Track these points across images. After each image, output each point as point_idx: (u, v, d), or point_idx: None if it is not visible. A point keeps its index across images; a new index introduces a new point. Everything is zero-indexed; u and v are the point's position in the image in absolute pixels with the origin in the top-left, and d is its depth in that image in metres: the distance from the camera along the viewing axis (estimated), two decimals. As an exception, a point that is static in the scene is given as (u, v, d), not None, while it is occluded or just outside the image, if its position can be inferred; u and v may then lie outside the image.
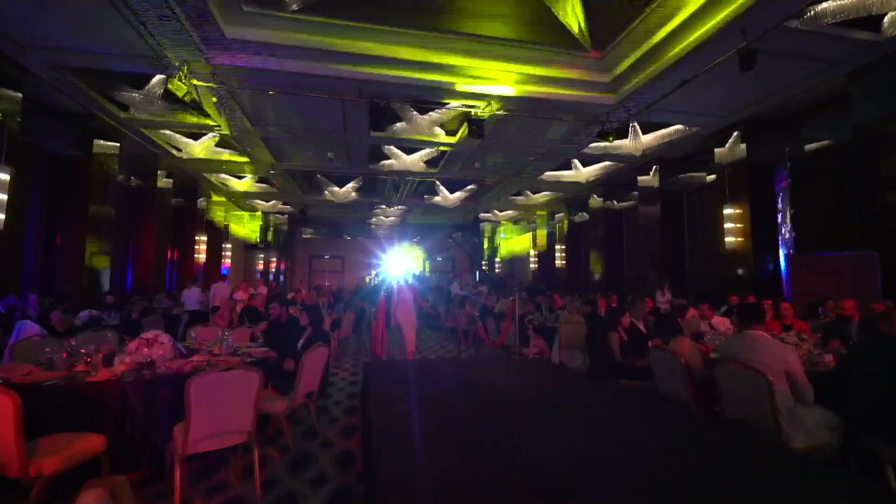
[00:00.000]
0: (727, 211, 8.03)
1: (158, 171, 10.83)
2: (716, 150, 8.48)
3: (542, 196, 14.14)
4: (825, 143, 6.82)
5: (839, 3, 4.80)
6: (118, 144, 8.58)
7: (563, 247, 14.76)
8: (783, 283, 6.99)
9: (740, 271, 7.65)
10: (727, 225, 8.01)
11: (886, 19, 5.04)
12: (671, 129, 8.47)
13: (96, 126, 7.94)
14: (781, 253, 7.17)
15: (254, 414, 2.35)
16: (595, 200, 12.96)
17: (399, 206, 15.87)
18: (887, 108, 5.67)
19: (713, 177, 9.51)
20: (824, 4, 4.79)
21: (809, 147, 7.05)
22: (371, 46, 5.98)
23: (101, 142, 8.30)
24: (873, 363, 2.19)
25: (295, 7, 5.20)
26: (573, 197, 13.80)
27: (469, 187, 13.19)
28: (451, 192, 13.59)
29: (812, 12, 4.82)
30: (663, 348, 2.85)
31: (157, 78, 6.60)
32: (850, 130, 6.23)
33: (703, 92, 6.61)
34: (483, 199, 14.30)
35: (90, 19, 5.06)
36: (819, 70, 5.96)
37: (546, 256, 16.36)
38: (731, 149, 8.16)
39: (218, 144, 9.56)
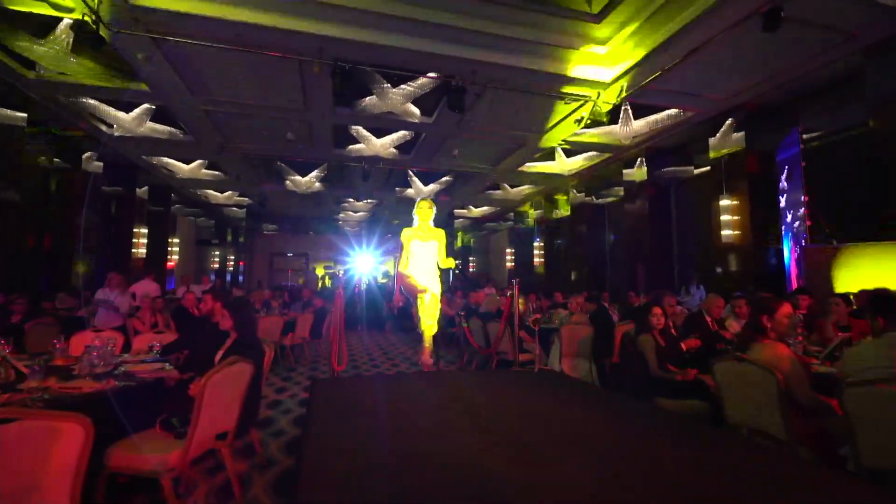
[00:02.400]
0: (724, 203, 7.49)
1: (85, 152, 9.37)
2: (710, 139, 7.95)
3: (521, 190, 13.42)
4: (834, 128, 6.33)
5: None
6: (25, 115, 7.14)
7: (542, 244, 14.10)
8: (787, 278, 6.46)
9: (740, 266, 7.10)
10: (724, 217, 7.47)
11: (922, -21, 4.51)
12: (664, 114, 7.85)
13: (-6, 88, 6.52)
14: (786, 245, 6.62)
15: (68, 498, 1.29)
16: (575, 195, 12.36)
17: (368, 200, 14.79)
18: (907, 86, 5.17)
19: (703, 169, 9.03)
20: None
21: (816, 133, 6.56)
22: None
23: (4, 110, 6.86)
24: None
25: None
26: (553, 191, 13.16)
27: (444, 179, 12.29)
28: (425, 185, 12.63)
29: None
30: (742, 358, 2.02)
31: (65, 22, 5.32)
32: (862, 114, 5.74)
33: (707, 69, 5.99)
34: (458, 192, 13.42)
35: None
36: (835, 44, 5.42)
37: (523, 254, 15.69)
38: (725, 137, 7.64)
39: (155, 119, 8.23)
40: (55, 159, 9.10)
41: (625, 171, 10.08)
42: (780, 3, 4.37)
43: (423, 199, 3.78)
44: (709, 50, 5.37)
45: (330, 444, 1.63)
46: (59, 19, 5.28)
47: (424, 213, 3.66)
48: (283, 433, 3.31)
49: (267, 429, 3.37)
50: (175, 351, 2.77)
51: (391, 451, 1.58)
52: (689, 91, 6.63)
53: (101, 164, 9.72)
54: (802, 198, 6.07)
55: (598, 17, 5.65)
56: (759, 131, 7.14)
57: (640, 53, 5.77)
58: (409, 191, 13.01)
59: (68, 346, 2.55)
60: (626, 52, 5.93)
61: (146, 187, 11.67)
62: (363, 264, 14.24)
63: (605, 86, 6.47)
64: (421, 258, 3.51)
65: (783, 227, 6.64)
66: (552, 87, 6.51)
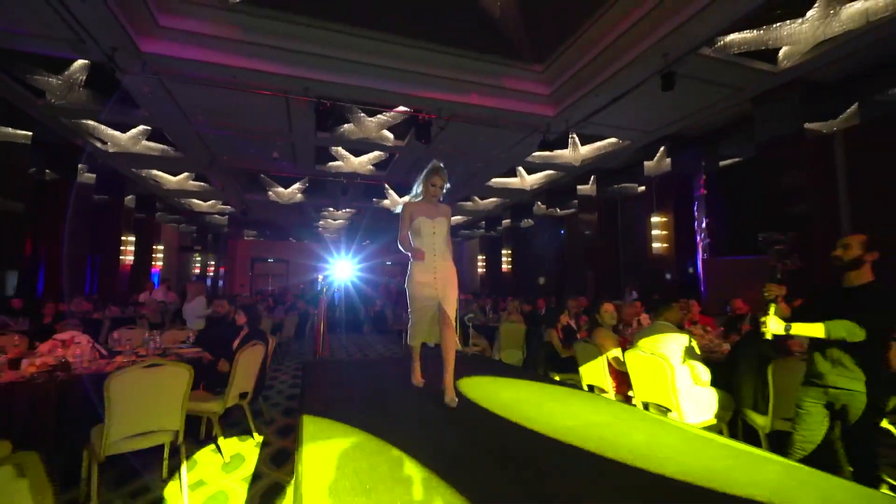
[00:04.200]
0: (654, 219, 8.73)
1: (79, 165, 9.96)
2: (645, 163, 9.20)
3: (490, 202, 14.52)
4: (736, 159, 7.64)
5: (742, 35, 5.46)
6: (30, 133, 7.79)
7: (510, 252, 15.23)
8: (700, 285, 7.72)
9: (667, 275, 8.34)
10: (654, 232, 8.70)
11: (781, 53, 5.79)
12: (606, 141, 9.07)
13: (2, 111, 7.18)
14: (699, 257, 7.91)
15: (181, 412, 2.27)
16: (539, 207, 13.50)
17: (347, 210, 15.62)
18: (783, 130, 6.48)
19: (644, 188, 10.31)
20: (731, 36, 5.43)
21: (723, 163, 7.88)
22: (318, 45, 5.92)
23: (9, 129, 7.51)
24: (751, 352, 2.65)
25: (236, -1, 5.06)
26: (519, 203, 14.30)
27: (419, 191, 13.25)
28: (401, 196, 13.59)
29: (721, 42, 5.43)
30: (587, 340, 3.09)
31: (79, 63, 6.11)
32: (752, 150, 7.04)
33: (631, 109, 7.18)
34: (432, 203, 14.39)
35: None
36: (728, 95, 6.69)
37: (493, 261, 16.78)
38: (659, 162, 8.89)
39: (150, 138, 8.96)
40: (46, 171, 9.69)
41: (578, 187, 11.26)
42: (674, 69, 5.55)
43: (434, 166, 2.87)
44: (629, 96, 6.56)
45: (321, 395, 2.58)
46: (75, 59, 6.07)
47: (435, 188, 2.83)
48: (279, 405, 4.34)
49: (267, 402, 4.35)
50: (207, 341, 3.70)
51: (365, 401, 2.55)
52: (619, 125, 7.84)
53: (92, 175, 10.31)
54: (704, 219, 7.35)
55: (542, 66, 6.79)
56: (681, 158, 8.42)
57: (576, 95, 6.92)
58: (385, 202, 13.96)
59: (120, 339, 3.43)
60: (567, 93, 7.06)
61: (132, 196, 12.24)
62: (342, 270, 15.08)
63: (551, 119, 7.60)
64: (429, 239, 2.75)
65: (697, 242, 7.94)
66: (506, 120, 7.61)
